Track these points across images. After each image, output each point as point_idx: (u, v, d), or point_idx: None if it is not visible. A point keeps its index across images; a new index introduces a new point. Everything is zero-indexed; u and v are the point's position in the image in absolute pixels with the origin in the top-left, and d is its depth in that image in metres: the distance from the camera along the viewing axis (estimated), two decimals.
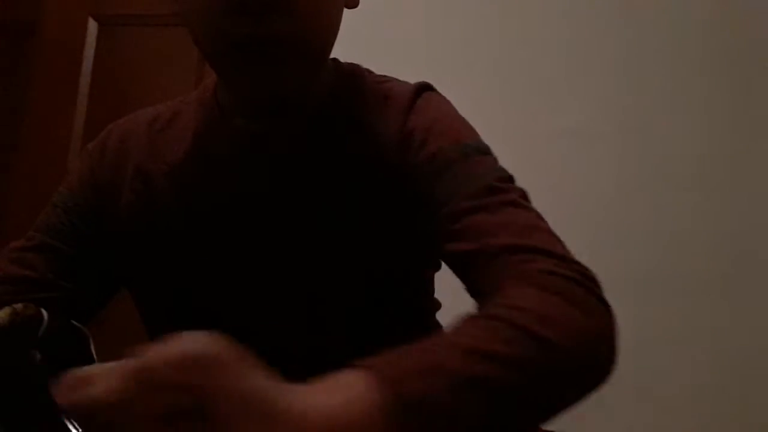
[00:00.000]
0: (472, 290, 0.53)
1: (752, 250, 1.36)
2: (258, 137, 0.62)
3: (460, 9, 1.52)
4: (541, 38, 1.50)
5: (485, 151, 0.59)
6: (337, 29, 0.60)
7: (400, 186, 0.59)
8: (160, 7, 1.75)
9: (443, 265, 0.61)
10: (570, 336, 0.44)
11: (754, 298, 1.34)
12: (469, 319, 0.45)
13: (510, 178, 0.58)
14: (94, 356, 0.44)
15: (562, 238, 0.55)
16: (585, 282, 0.50)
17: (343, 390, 0.36)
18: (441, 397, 0.37)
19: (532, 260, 0.50)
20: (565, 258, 0.52)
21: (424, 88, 0.63)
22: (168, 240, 0.62)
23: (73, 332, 0.44)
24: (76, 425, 0.35)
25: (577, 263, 0.52)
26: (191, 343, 0.32)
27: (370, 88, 0.63)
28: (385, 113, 0.61)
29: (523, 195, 0.57)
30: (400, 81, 0.65)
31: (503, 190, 0.56)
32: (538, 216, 0.56)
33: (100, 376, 0.31)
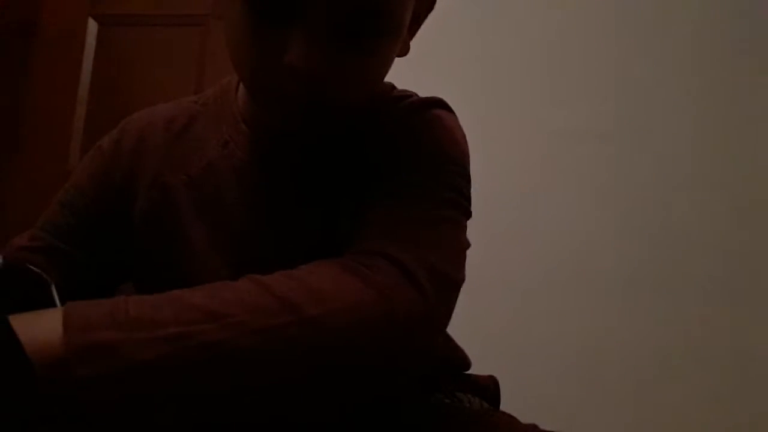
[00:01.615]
0: None
1: (752, 250, 1.36)
2: (279, 151, 0.61)
3: (459, 9, 1.52)
4: (540, 38, 1.50)
5: (451, 163, 0.57)
6: (383, 80, 0.58)
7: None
8: (160, 7, 1.75)
9: None
10: (341, 314, 0.41)
11: (753, 298, 1.34)
12: (230, 282, 0.44)
13: (453, 202, 0.55)
14: (57, 302, 0.43)
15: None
16: (415, 280, 0.45)
17: (28, 329, 0.37)
18: (128, 347, 0.37)
19: (374, 258, 0.47)
20: (426, 269, 0.46)
21: (435, 104, 0.62)
22: (184, 249, 0.61)
23: (31, 277, 0.44)
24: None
25: (436, 274, 0.47)
26: None
27: (390, 103, 0.62)
28: (391, 124, 0.60)
29: (455, 219, 0.54)
30: (419, 96, 0.64)
31: (434, 205, 0.53)
32: (448, 238, 0.52)
33: None
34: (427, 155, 0.57)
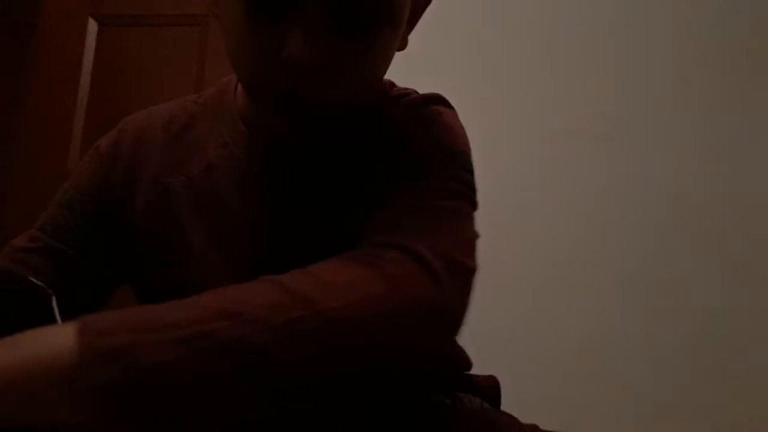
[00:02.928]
0: None
1: (752, 250, 1.36)
2: (279, 150, 0.61)
3: (458, 9, 1.52)
4: (540, 38, 1.50)
5: (454, 156, 0.57)
6: (383, 76, 0.58)
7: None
8: (160, 7, 1.75)
9: None
10: (358, 306, 0.40)
11: (753, 298, 1.34)
12: (249, 283, 0.43)
13: (462, 191, 0.55)
14: (57, 315, 0.42)
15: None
16: (431, 268, 0.44)
17: (41, 340, 0.36)
18: (144, 349, 0.36)
19: (388, 250, 0.46)
20: (440, 257, 0.46)
21: (435, 100, 0.62)
22: (184, 250, 0.61)
23: (32, 290, 0.43)
24: None
25: (451, 262, 0.46)
26: None
27: (390, 101, 0.62)
28: (390, 121, 0.60)
29: (462, 210, 0.54)
30: (418, 93, 0.64)
31: (443, 196, 0.53)
32: (457, 228, 0.51)
33: None
34: (429, 150, 0.56)
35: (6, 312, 0.40)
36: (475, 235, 0.54)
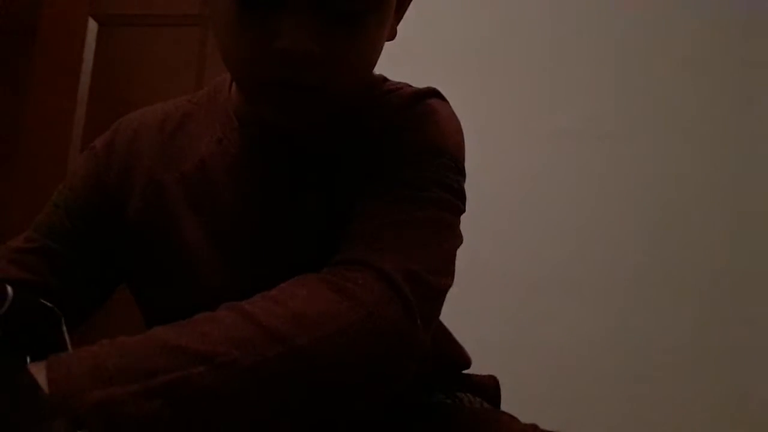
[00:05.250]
0: None
1: (752, 250, 1.36)
2: (273, 146, 0.61)
3: (458, 8, 1.52)
4: (540, 38, 1.50)
5: (443, 154, 0.57)
6: (374, 67, 0.58)
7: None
8: (160, 7, 1.75)
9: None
10: (329, 340, 0.42)
11: (753, 298, 1.34)
12: (212, 314, 0.43)
13: (448, 189, 0.55)
14: (66, 337, 0.43)
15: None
16: (401, 294, 0.45)
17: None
18: (123, 402, 0.36)
19: (359, 271, 0.47)
20: (411, 281, 0.47)
21: (429, 94, 0.62)
22: (179, 246, 0.61)
23: (43, 312, 0.43)
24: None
25: (420, 284, 0.47)
26: None
27: (382, 95, 0.62)
28: (384, 116, 0.60)
29: (437, 221, 0.54)
30: (412, 87, 0.64)
31: (422, 204, 0.53)
32: (435, 242, 0.52)
33: None
34: (414, 151, 0.56)
35: (16, 333, 0.39)
36: (452, 246, 0.54)
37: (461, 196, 0.57)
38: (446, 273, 0.52)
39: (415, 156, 0.56)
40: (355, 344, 0.43)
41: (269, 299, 0.45)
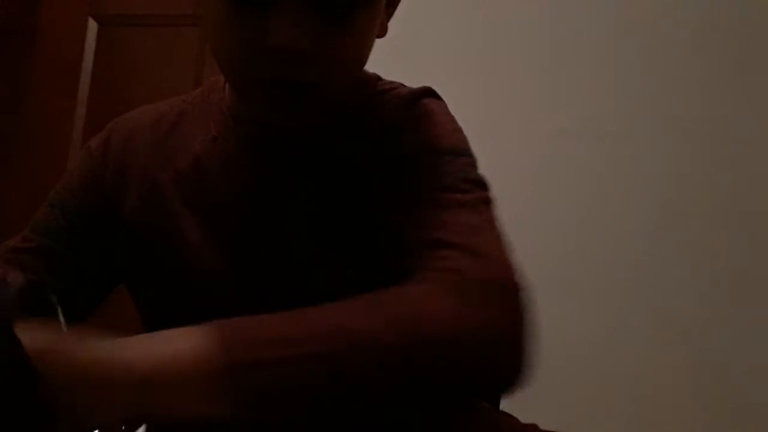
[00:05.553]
0: (390, 276, 0.53)
1: (753, 250, 1.36)
2: (268, 144, 0.61)
3: (458, 8, 1.52)
4: (540, 38, 1.50)
5: (460, 152, 0.58)
6: (365, 64, 0.59)
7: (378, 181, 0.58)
8: (160, 7, 1.75)
9: None
10: (449, 335, 0.43)
11: (753, 298, 1.34)
12: (353, 300, 0.44)
13: (477, 182, 0.56)
14: (63, 326, 0.44)
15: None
16: (499, 285, 0.48)
17: (179, 341, 0.38)
18: (274, 366, 0.38)
19: (451, 257, 0.49)
20: (490, 258, 0.50)
21: (424, 93, 0.62)
22: (176, 245, 0.61)
23: (41, 299, 0.44)
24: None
25: (504, 266, 0.50)
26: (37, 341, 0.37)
27: (377, 95, 0.62)
28: (383, 117, 0.60)
29: (484, 199, 0.55)
30: (406, 87, 0.64)
31: (462, 190, 0.54)
32: (488, 220, 0.54)
33: None
34: (439, 152, 0.56)
35: (19, 315, 0.40)
36: (503, 235, 0.56)
37: (486, 186, 0.58)
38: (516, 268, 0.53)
39: (439, 158, 0.56)
40: (474, 343, 0.44)
41: (393, 292, 0.46)
